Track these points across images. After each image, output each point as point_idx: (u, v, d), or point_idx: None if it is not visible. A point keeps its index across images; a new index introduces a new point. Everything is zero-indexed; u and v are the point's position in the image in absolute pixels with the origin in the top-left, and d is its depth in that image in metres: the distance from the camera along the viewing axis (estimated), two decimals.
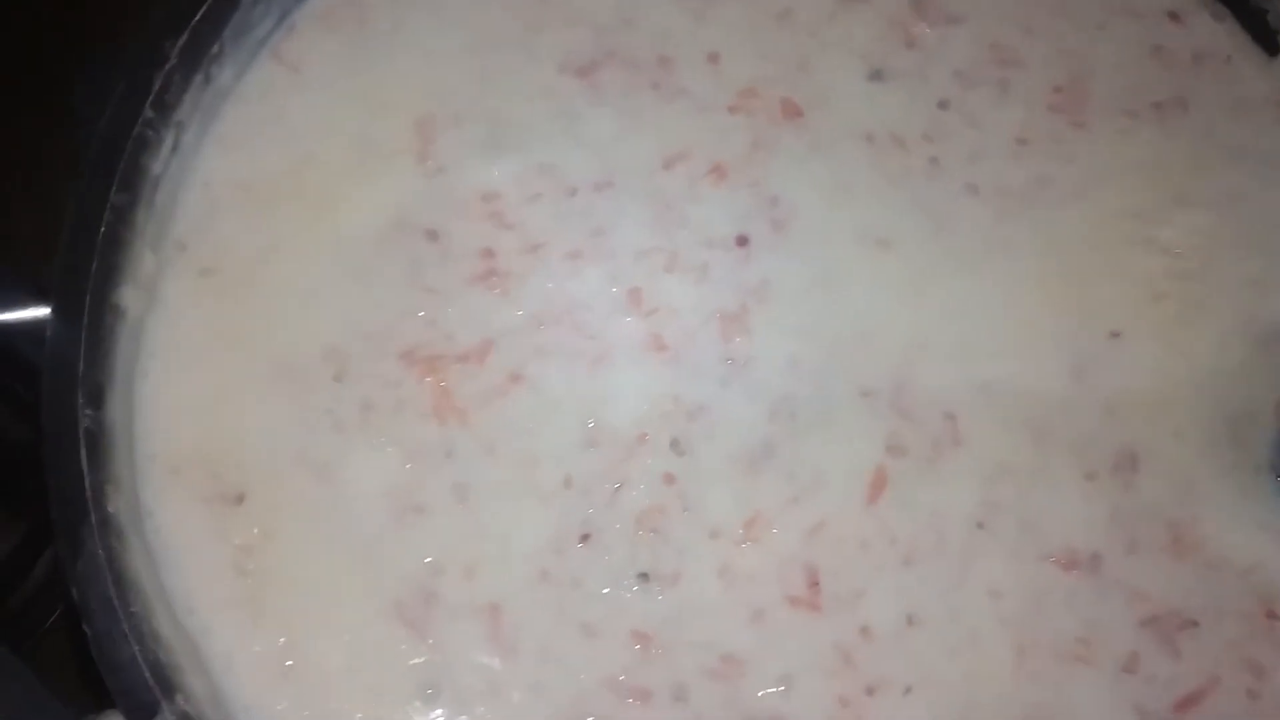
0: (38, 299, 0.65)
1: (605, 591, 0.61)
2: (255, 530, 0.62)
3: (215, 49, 0.67)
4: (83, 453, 0.59)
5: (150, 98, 0.65)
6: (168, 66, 0.65)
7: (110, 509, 0.60)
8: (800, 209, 0.68)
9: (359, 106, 0.69)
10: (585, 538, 0.62)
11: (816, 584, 0.62)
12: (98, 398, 0.61)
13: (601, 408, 0.64)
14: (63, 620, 0.80)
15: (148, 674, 0.57)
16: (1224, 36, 0.73)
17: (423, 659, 0.60)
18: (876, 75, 0.71)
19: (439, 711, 0.60)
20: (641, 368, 0.65)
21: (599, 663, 0.60)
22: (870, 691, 0.60)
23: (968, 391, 0.65)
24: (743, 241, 0.67)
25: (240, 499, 0.62)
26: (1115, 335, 0.66)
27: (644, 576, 0.62)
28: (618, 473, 0.63)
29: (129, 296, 0.64)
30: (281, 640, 0.60)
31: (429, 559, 0.61)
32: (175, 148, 0.66)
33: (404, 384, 0.64)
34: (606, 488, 0.63)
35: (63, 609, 0.80)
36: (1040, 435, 0.64)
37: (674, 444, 0.64)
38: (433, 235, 0.67)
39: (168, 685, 0.57)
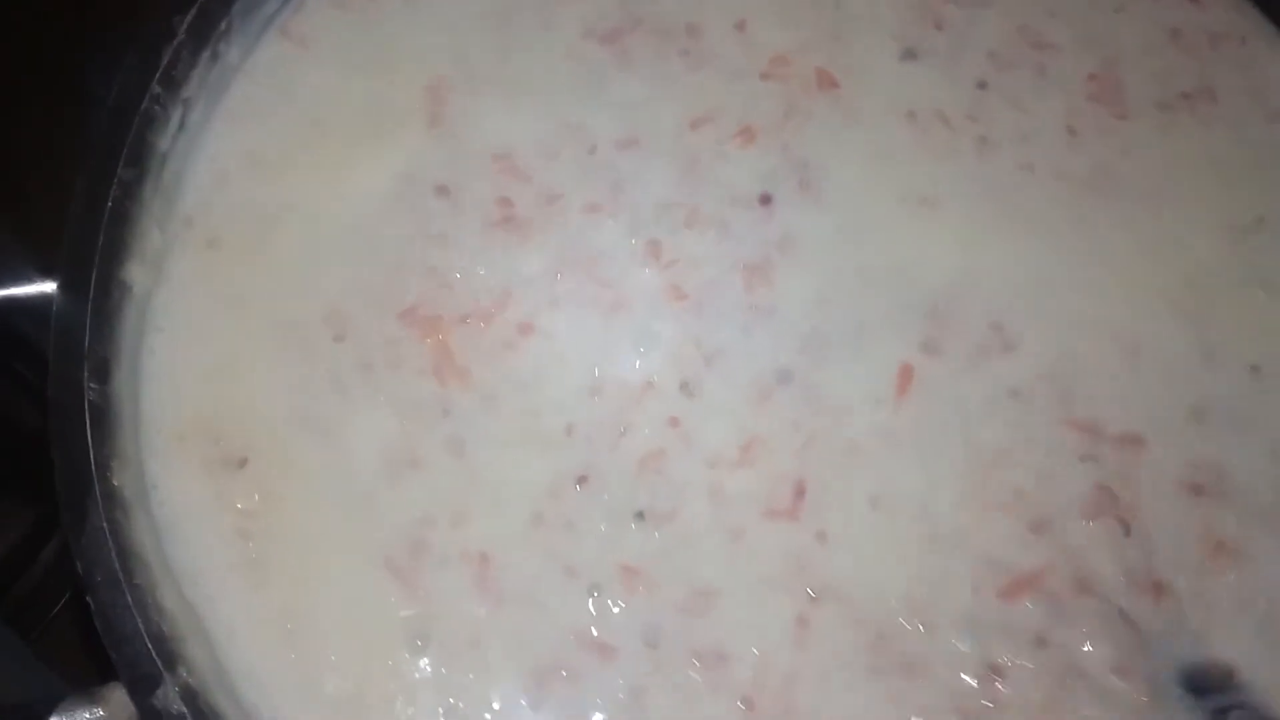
0: (44, 275, 0.65)
1: (603, 529, 0.60)
2: (256, 495, 0.61)
3: (223, 25, 0.67)
4: (88, 427, 0.59)
5: (158, 73, 0.65)
6: (176, 42, 0.66)
7: (115, 483, 0.59)
8: (832, 172, 0.67)
9: (369, 76, 0.69)
10: (582, 480, 0.61)
11: (803, 493, 0.61)
12: (103, 372, 0.61)
13: (611, 354, 0.63)
14: (71, 605, 0.80)
15: (151, 646, 0.56)
16: (1238, 17, 0.72)
17: (413, 611, 0.59)
18: (909, 54, 0.70)
19: (425, 661, 0.59)
20: (658, 316, 0.64)
21: (577, 608, 0.60)
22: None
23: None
24: (766, 200, 0.66)
25: (243, 463, 0.62)
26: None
27: (640, 516, 0.61)
28: (623, 419, 0.62)
29: (135, 273, 0.64)
30: (281, 603, 0.59)
31: (420, 512, 0.61)
32: (183, 125, 0.67)
33: (404, 341, 0.63)
34: (610, 434, 0.62)
35: (71, 594, 0.80)
36: None
37: (683, 386, 0.63)
38: (443, 190, 0.66)
39: (170, 657, 0.56)
